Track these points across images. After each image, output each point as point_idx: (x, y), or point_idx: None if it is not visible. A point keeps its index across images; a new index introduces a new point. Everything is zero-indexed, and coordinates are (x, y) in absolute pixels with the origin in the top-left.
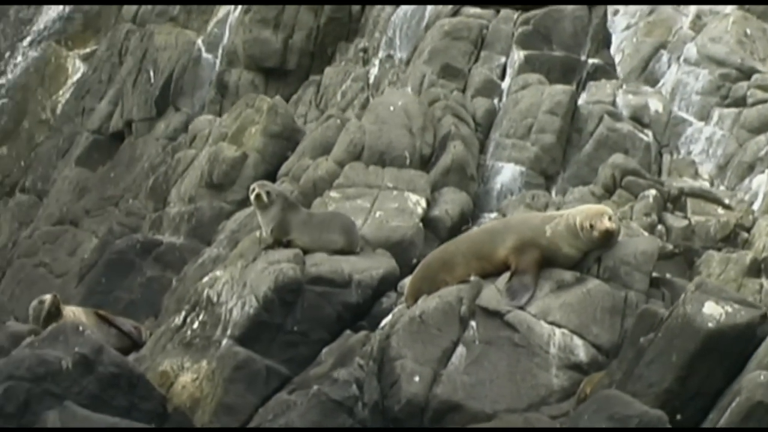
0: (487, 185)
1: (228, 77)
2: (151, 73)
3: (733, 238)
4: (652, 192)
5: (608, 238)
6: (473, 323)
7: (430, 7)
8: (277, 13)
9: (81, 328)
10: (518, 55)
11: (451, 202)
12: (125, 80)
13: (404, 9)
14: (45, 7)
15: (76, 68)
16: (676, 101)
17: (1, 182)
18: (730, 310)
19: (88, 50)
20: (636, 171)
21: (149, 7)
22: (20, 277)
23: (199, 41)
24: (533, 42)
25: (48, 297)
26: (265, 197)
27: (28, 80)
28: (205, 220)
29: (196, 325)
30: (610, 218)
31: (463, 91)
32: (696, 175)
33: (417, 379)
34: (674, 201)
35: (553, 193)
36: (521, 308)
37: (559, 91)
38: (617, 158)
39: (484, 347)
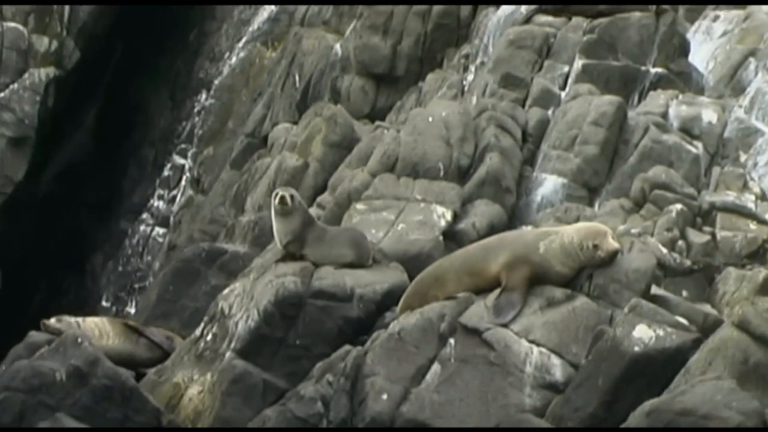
0: (529, 197)
1: (341, 83)
2: (297, 77)
3: (761, 254)
4: (677, 206)
5: (614, 258)
6: (452, 341)
7: (518, 14)
8: (386, 18)
9: (80, 340)
10: (578, 64)
11: (481, 214)
12: (276, 84)
13: (499, 15)
14: (262, 8)
15: None
16: (753, 111)
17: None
18: (661, 333)
19: None
20: (665, 185)
21: (316, 10)
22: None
23: (337, 46)
24: (597, 51)
25: None
26: (289, 200)
27: (234, 81)
28: (267, 229)
29: (209, 337)
30: (613, 237)
31: (524, 100)
32: (744, 188)
33: (385, 397)
34: (705, 216)
35: (597, 206)
36: (505, 326)
37: (606, 101)
38: (654, 171)
39: (458, 365)
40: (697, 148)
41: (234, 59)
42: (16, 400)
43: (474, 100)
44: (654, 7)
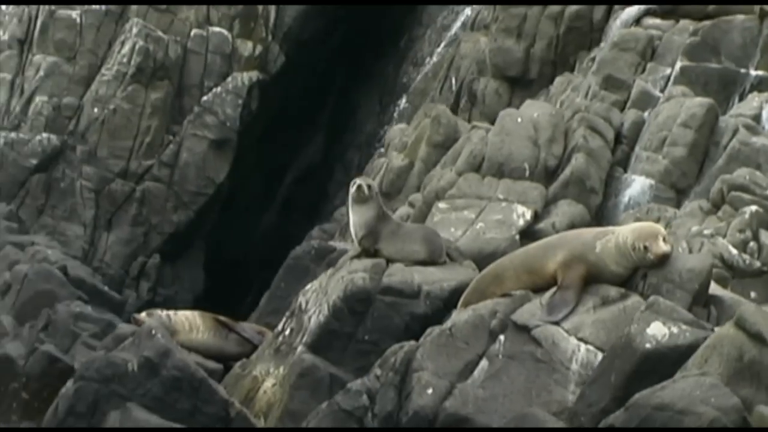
0: (617, 198)
1: (477, 86)
2: (453, 80)
3: None
4: (752, 208)
5: (664, 261)
6: (501, 337)
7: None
8: (520, 22)
9: (153, 332)
10: (678, 67)
11: (563, 214)
12: (436, 87)
13: (622, 18)
14: (460, 14)
15: None
16: None
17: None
18: (675, 330)
19: None
20: (744, 186)
21: (485, 14)
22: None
23: (488, 50)
24: (700, 53)
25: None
26: (365, 189)
27: (426, 85)
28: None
29: (287, 331)
30: (664, 239)
31: (625, 102)
32: None
33: (430, 391)
34: None
35: (684, 207)
36: (556, 323)
37: (696, 103)
38: (738, 172)
39: (505, 361)
40: None
41: (430, 64)
42: (90, 389)
43: (578, 100)
44: (758, 9)
